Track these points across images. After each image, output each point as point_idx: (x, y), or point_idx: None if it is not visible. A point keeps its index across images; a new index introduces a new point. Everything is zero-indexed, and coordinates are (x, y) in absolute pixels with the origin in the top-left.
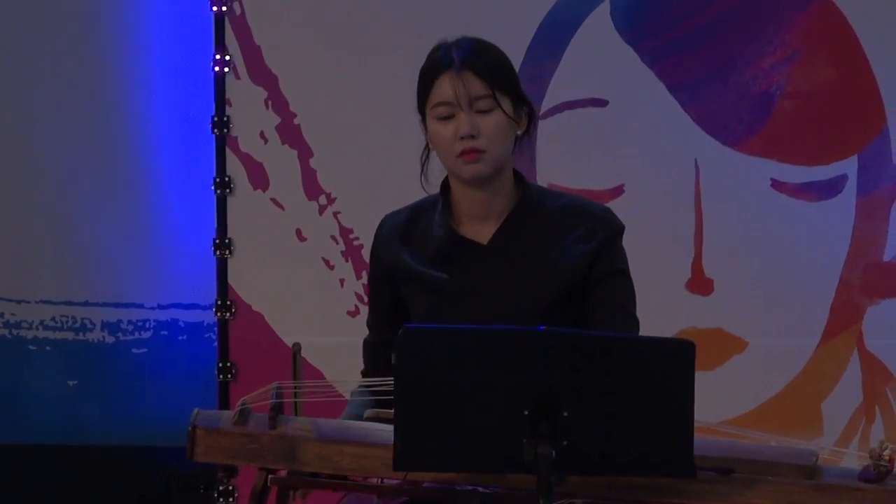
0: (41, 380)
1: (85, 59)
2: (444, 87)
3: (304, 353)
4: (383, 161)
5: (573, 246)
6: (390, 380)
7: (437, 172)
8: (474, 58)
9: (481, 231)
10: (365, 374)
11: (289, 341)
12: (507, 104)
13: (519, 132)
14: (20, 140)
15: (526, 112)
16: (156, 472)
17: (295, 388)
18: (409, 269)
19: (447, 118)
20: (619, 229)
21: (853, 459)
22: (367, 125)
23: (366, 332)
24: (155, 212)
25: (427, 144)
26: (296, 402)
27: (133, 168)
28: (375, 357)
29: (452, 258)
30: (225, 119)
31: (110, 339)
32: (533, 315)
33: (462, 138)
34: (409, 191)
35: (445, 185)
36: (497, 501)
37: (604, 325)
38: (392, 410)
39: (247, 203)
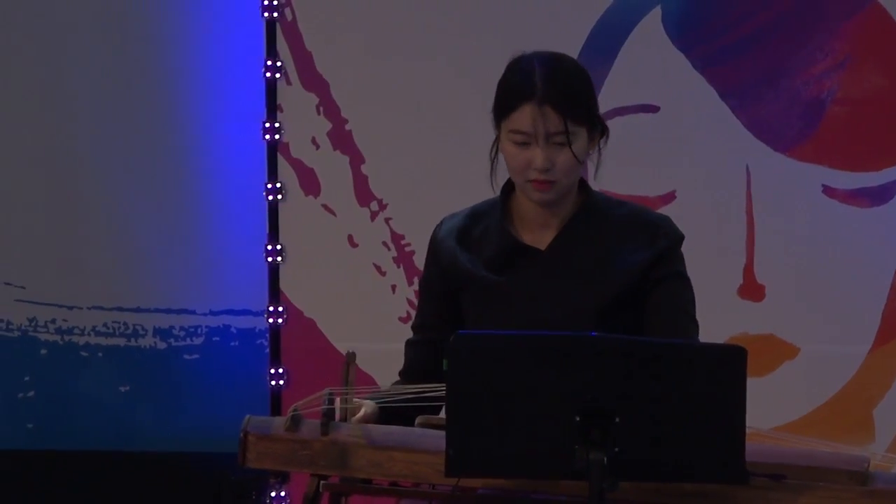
0: (93, 386)
1: (137, 67)
2: (524, 118)
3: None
4: (435, 167)
5: (632, 253)
6: (441, 385)
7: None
8: (555, 90)
9: (541, 237)
10: (403, 373)
11: (341, 347)
12: (582, 136)
13: (590, 152)
14: (72, 147)
15: (599, 131)
16: (207, 479)
17: (345, 393)
18: (466, 272)
19: (523, 144)
20: (678, 238)
21: None
22: (418, 131)
23: None
24: (207, 218)
25: (495, 141)
26: (346, 409)
27: (185, 174)
28: (418, 357)
29: (510, 263)
30: (276, 125)
31: (162, 346)
32: (587, 321)
33: (536, 169)
34: (461, 196)
35: (506, 188)
36: None
37: (663, 327)
38: (443, 416)
39: (298, 209)
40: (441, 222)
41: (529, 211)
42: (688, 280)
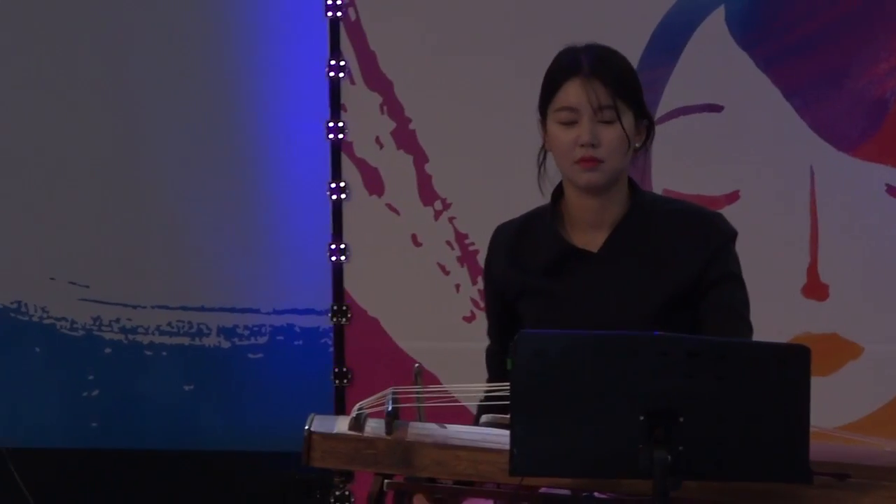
0: (157, 385)
1: (201, 68)
2: (571, 93)
3: (420, 358)
4: (498, 166)
5: (685, 251)
6: (506, 385)
7: (549, 179)
8: (603, 66)
9: (592, 239)
10: (483, 400)
11: (405, 346)
12: (629, 117)
13: (637, 145)
14: (137, 147)
15: (645, 125)
16: (272, 478)
17: (417, 394)
18: (520, 280)
19: (569, 123)
20: (731, 235)
21: None
22: (482, 130)
23: (482, 337)
24: (271, 217)
25: (543, 145)
26: (421, 409)
27: (250, 174)
28: (496, 366)
29: (563, 267)
30: (340, 125)
31: (226, 345)
32: (644, 321)
33: (582, 146)
34: (525, 196)
35: (556, 193)
36: None
37: (717, 329)
38: (508, 416)
39: (362, 208)
40: (495, 232)
41: (580, 211)
42: (742, 281)
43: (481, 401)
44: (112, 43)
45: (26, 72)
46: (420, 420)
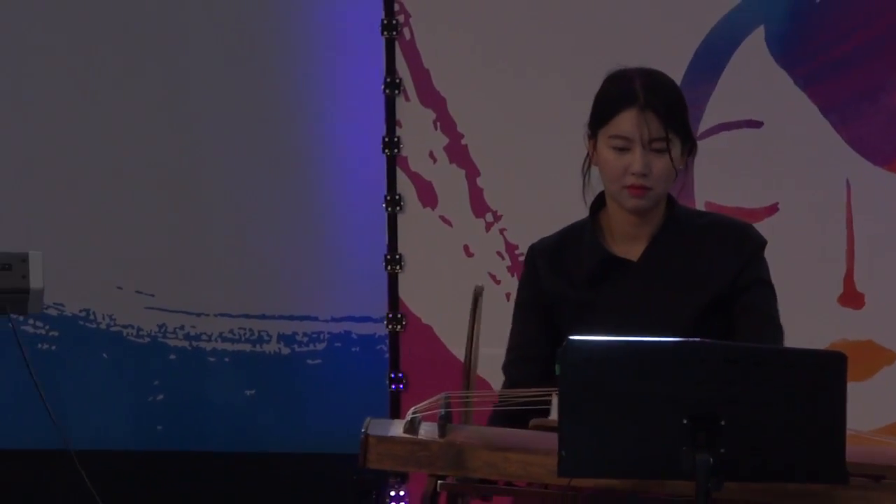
0: (219, 390)
1: (263, 84)
2: (625, 123)
3: (471, 364)
4: (548, 180)
5: (719, 260)
6: (553, 390)
7: (592, 189)
8: (657, 98)
9: (631, 249)
10: (516, 402)
11: (458, 353)
12: (677, 146)
13: (681, 167)
14: (200, 160)
15: (688, 147)
16: (329, 479)
17: (465, 398)
18: (561, 290)
19: (621, 150)
20: (762, 243)
21: None
22: (530, 145)
23: None
24: (329, 228)
25: (587, 156)
26: (469, 412)
27: (308, 187)
28: (521, 375)
29: (603, 276)
30: (395, 139)
31: (286, 351)
32: (681, 327)
33: (633, 174)
34: (573, 209)
35: (595, 204)
36: None
37: (750, 333)
38: (556, 419)
39: (416, 220)
40: (532, 248)
41: (620, 223)
42: (772, 286)
43: (495, 406)
44: (175, 61)
45: (93, 85)
46: (467, 422)
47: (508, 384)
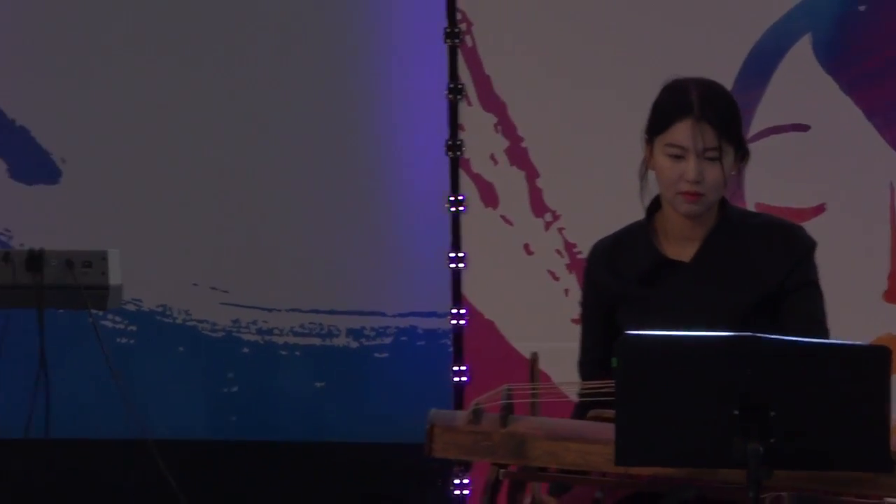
0: (291, 382)
1: (333, 90)
2: (682, 133)
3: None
4: (605, 181)
5: (769, 261)
6: (611, 383)
7: (648, 192)
8: (712, 109)
9: (684, 250)
10: (582, 395)
11: (519, 347)
12: (730, 155)
13: (733, 173)
14: (273, 163)
15: (741, 155)
16: (396, 467)
17: (532, 390)
18: (619, 288)
19: (676, 157)
20: (811, 245)
21: None
22: (589, 147)
23: None
24: (396, 228)
25: (644, 160)
26: (533, 404)
27: (375, 188)
28: (588, 375)
29: (657, 276)
30: (458, 142)
31: (354, 345)
32: (731, 326)
33: (688, 181)
34: (629, 210)
35: (651, 207)
36: (709, 494)
37: (797, 334)
38: (613, 410)
39: (479, 219)
40: (593, 249)
41: (674, 225)
42: (819, 288)
43: (580, 398)
44: (250, 62)
45: (168, 87)
46: (534, 415)
47: (582, 381)
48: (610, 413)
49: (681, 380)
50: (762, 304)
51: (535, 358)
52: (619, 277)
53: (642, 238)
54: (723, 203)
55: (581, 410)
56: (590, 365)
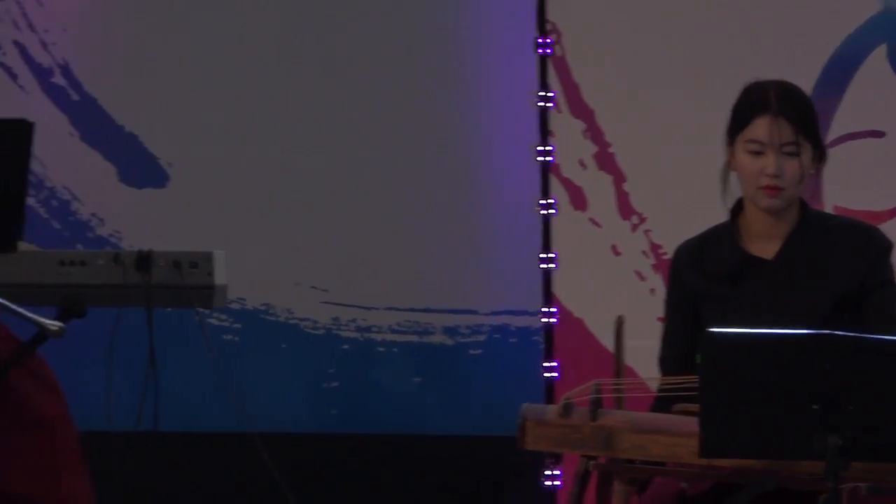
0: (389, 377)
1: (430, 99)
2: (760, 128)
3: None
4: (688, 184)
5: (847, 260)
6: (693, 378)
7: (730, 194)
8: (789, 105)
9: (767, 247)
10: (662, 390)
11: (606, 343)
12: (807, 151)
13: (812, 171)
14: (372, 167)
15: (819, 154)
16: (489, 459)
17: (616, 385)
18: (705, 285)
19: (756, 153)
20: (887, 245)
21: None
22: (672, 152)
23: None
24: (489, 230)
25: (726, 163)
26: (619, 398)
27: (469, 192)
28: (671, 369)
29: (741, 274)
30: (548, 148)
31: (449, 342)
32: (811, 322)
33: (767, 175)
34: (712, 212)
35: (735, 209)
36: (789, 485)
37: (874, 331)
38: (697, 405)
39: (569, 222)
40: (678, 249)
41: (757, 224)
42: None
43: (659, 392)
44: (342, 72)
45: (275, 93)
46: (620, 408)
47: (663, 375)
48: (694, 407)
49: (762, 375)
50: (841, 302)
51: (620, 322)
52: (705, 275)
53: (727, 237)
54: (802, 205)
55: (660, 404)
56: (671, 360)
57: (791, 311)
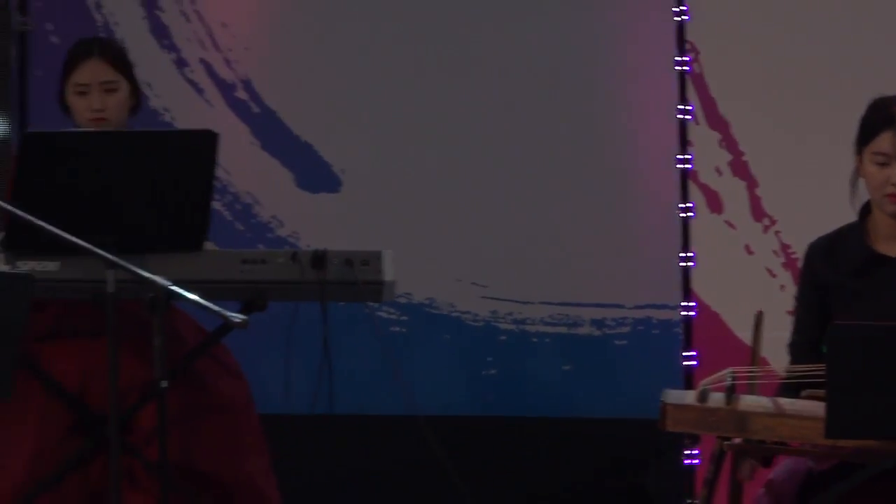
0: (541, 365)
1: (584, 115)
2: (885, 142)
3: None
4: (816, 189)
5: None
6: (819, 366)
7: (858, 197)
8: None
9: (892, 247)
10: (789, 377)
11: (741, 335)
12: None
13: None
14: (529, 170)
15: None
16: (633, 440)
17: (751, 373)
18: (834, 280)
19: (882, 164)
20: None
21: None
22: (803, 160)
23: None
24: (634, 231)
25: (855, 170)
26: (751, 384)
27: (617, 198)
28: (799, 354)
29: (868, 270)
30: (687, 157)
31: (597, 333)
32: None
33: (893, 184)
34: (838, 214)
35: (863, 210)
36: None
37: None
38: (823, 391)
39: (706, 224)
40: (810, 246)
41: (883, 226)
42: None
43: (784, 380)
44: (511, 79)
45: (431, 94)
46: (753, 393)
47: (792, 361)
48: (821, 393)
49: (883, 364)
50: None
51: (759, 317)
52: (835, 269)
53: (855, 237)
54: None
55: (787, 390)
56: (800, 346)
57: None
